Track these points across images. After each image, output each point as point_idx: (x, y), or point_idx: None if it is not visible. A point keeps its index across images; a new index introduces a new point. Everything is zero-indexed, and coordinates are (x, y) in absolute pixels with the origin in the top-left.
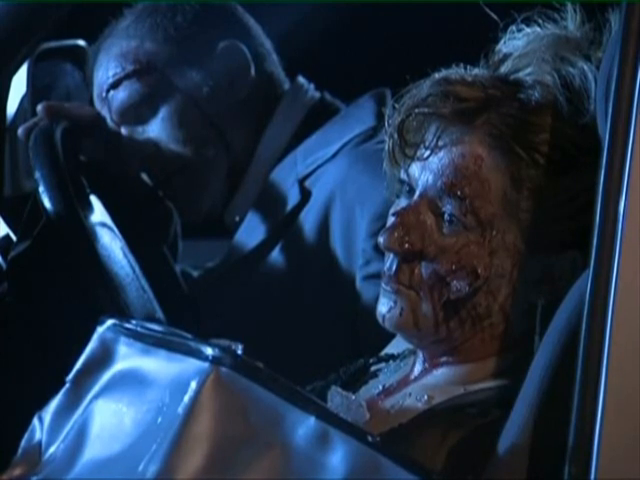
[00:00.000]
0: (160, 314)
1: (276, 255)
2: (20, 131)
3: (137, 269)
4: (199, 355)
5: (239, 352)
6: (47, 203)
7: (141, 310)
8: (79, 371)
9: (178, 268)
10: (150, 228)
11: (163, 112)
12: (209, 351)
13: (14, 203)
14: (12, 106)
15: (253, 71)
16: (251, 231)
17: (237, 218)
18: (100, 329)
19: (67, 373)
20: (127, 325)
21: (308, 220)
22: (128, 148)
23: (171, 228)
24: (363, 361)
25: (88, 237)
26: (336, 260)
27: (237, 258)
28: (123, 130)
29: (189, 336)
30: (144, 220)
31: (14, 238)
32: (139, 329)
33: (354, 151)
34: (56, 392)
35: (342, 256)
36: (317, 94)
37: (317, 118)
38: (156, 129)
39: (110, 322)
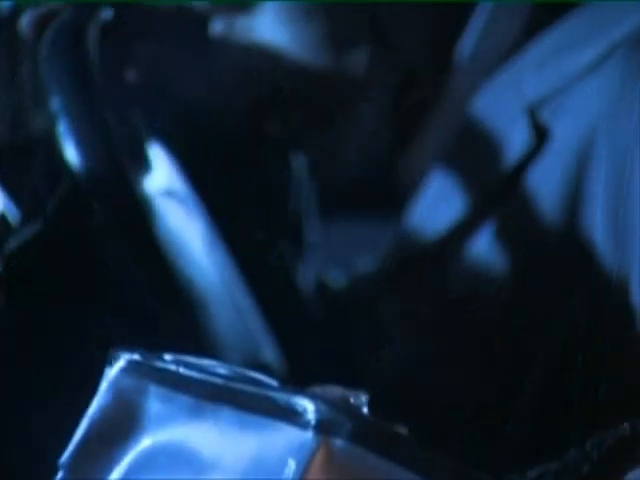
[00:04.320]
0: (269, 353)
1: (484, 248)
2: (26, 23)
3: (230, 274)
4: (295, 418)
5: (364, 408)
6: (72, 155)
7: (235, 345)
8: (79, 448)
9: (304, 272)
10: (255, 199)
11: None
12: (311, 410)
13: (13, 155)
14: None
15: None
16: (439, 204)
17: (414, 180)
18: (112, 371)
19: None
20: (159, 364)
21: (545, 183)
22: (219, 57)
23: (292, 199)
24: (629, 428)
25: (141, 215)
26: (593, 253)
27: (412, 252)
28: (214, 25)
29: (274, 383)
30: (245, 184)
31: (13, 218)
32: (181, 370)
33: (631, 59)
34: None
35: (605, 243)
36: None
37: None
38: (269, 22)
39: (129, 358)
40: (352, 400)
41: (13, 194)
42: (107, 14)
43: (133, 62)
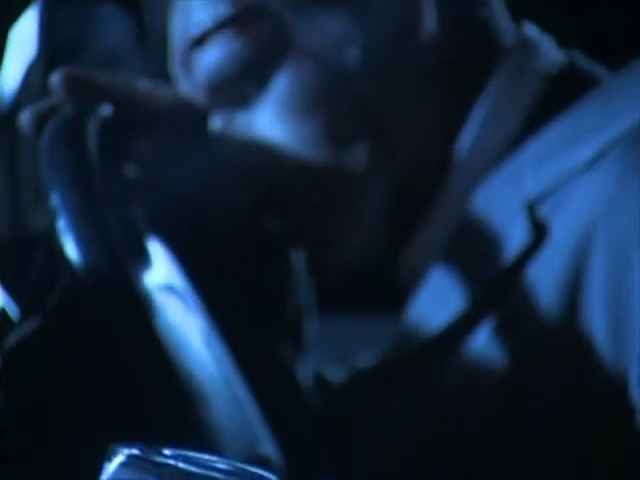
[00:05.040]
0: (267, 447)
1: (484, 343)
2: (25, 120)
3: (229, 368)
4: None
5: None
6: (72, 251)
7: (234, 438)
8: None
9: (304, 367)
10: (255, 295)
11: (279, 89)
12: None
13: (13, 251)
14: (11, 78)
15: (431, 16)
16: (439, 299)
17: (413, 276)
18: (112, 466)
19: None
20: (158, 458)
21: (543, 278)
22: (218, 153)
23: (291, 295)
24: None
25: (141, 311)
26: (592, 348)
27: (412, 348)
28: (213, 120)
29: (273, 478)
30: (244, 281)
31: (12, 314)
32: (180, 465)
33: (628, 156)
34: None
35: (604, 340)
36: (561, 55)
37: (561, 96)
38: (268, 118)
39: (129, 453)
40: None
41: (13, 290)
42: (106, 110)
43: (132, 158)
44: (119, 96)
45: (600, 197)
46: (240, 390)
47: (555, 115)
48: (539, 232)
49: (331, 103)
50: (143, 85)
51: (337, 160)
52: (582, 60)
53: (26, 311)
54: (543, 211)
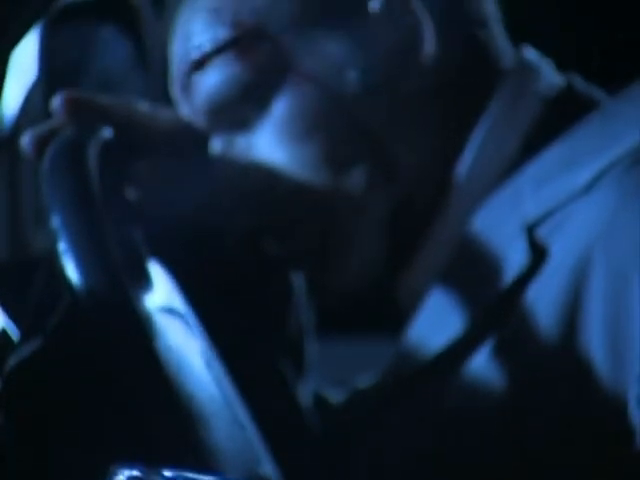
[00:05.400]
0: (267, 468)
1: (482, 364)
2: (26, 143)
3: (229, 390)
4: None
5: None
6: (73, 273)
7: (235, 459)
8: None
9: (304, 389)
10: (255, 317)
11: (279, 113)
12: None
13: (14, 273)
14: (11, 101)
15: (431, 39)
16: (438, 320)
17: (413, 298)
18: None
19: None
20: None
21: (542, 299)
22: (218, 176)
23: (291, 319)
24: None
25: (142, 333)
26: (591, 369)
27: (411, 370)
28: (213, 144)
29: None
30: (243, 303)
31: (14, 335)
32: None
33: (626, 178)
34: None
35: (602, 361)
36: (560, 78)
37: (560, 119)
38: (267, 141)
39: (129, 474)
40: None
41: (13, 311)
42: (107, 133)
43: (133, 180)
44: (119, 119)
45: (599, 219)
46: (240, 411)
47: (554, 137)
48: (538, 254)
49: (331, 126)
50: (143, 108)
51: (337, 183)
52: (580, 83)
53: (26, 333)
54: (542, 233)
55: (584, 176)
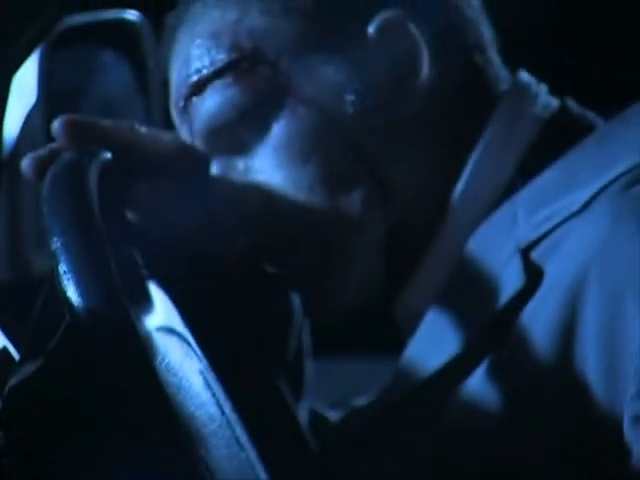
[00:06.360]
0: None
1: (479, 384)
2: (27, 166)
3: (229, 409)
4: None
5: None
6: (73, 294)
7: (233, 478)
8: None
9: (303, 408)
10: (254, 336)
11: (277, 135)
12: None
13: (15, 294)
14: (12, 124)
15: (428, 66)
16: (435, 341)
17: (410, 319)
18: None
19: None
20: None
21: (538, 319)
22: (218, 198)
23: (290, 338)
24: None
25: (142, 353)
26: (586, 388)
27: (408, 389)
28: (211, 166)
29: None
30: (243, 324)
31: (14, 354)
32: None
33: (620, 200)
34: None
35: (598, 381)
36: (555, 101)
37: (556, 141)
38: (266, 163)
39: None
40: None
41: (13, 332)
42: (107, 155)
43: (133, 202)
44: (120, 141)
45: (594, 239)
46: (239, 431)
47: (550, 159)
48: (533, 276)
49: (329, 149)
50: (144, 130)
51: (335, 204)
52: (575, 106)
53: (27, 353)
54: (537, 255)
55: (580, 199)
